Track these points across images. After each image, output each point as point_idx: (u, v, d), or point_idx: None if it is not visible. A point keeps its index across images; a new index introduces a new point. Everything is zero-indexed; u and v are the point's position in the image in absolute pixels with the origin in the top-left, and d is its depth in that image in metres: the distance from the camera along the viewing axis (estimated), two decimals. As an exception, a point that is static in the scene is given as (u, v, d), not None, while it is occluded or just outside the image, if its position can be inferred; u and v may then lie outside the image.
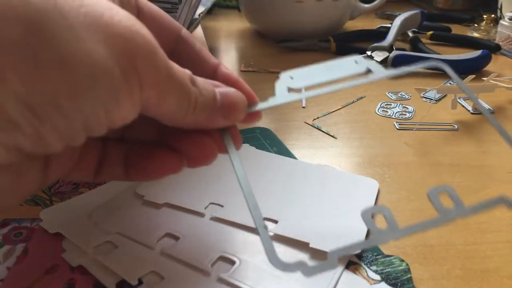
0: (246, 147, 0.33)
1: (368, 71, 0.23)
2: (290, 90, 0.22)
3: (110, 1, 0.18)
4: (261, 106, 0.22)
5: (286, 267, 0.17)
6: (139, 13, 0.21)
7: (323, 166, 0.31)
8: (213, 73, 0.23)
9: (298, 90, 0.22)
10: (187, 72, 0.19)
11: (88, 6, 0.15)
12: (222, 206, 0.26)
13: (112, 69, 0.15)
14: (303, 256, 0.23)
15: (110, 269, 0.21)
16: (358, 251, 0.20)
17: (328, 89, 0.23)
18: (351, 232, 0.24)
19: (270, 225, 0.25)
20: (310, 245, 0.22)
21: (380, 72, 0.23)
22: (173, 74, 0.18)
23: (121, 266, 0.21)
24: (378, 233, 0.18)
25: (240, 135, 0.22)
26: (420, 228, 0.18)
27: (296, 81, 0.22)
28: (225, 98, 0.20)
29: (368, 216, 0.18)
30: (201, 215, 0.25)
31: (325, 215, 0.26)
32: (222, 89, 0.21)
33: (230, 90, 0.21)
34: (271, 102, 0.22)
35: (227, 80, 0.23)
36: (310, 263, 0.21)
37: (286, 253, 0.23)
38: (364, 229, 0.24)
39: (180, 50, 0.22)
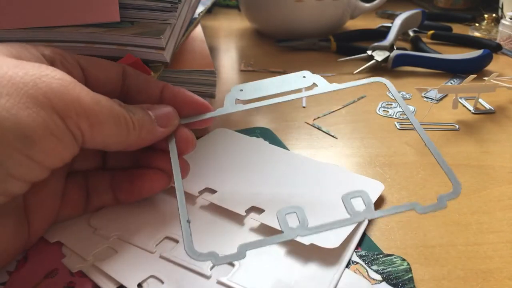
0: (257, 141, 0.34)
1: (314, 85, 0.26)
2: (237, 101, 0.25)
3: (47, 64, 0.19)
4: (209, 115, 0.25)
5: (199, 256, 0.19)
6: (82, 69, 0.23)
7: (330, 165, 0.30)
8: (160, 93, 0.25)
9: (245, 102, 0.25)
10: (115, 100, 0.21)
11: None
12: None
13: (16, 119, 0.16)
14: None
15: (110, 275, 0.21)
16: (266, 246, 0.20)
17: (272, 101, 0.25)
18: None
19: (253, 213, 0.25)
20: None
21: (325, 86, 0.26)
22: (99, 101, 0.19)
23: (121, 272, 0.21)
24: (289, 230, 0.19)
25: (193, 139, 0.24)
26: (328, 227, 0.20)
27: (245, 93, 0.25)
28: (157, 111, 0.23)
29: (282, 215, 0.19)
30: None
31: (312, 209, 0.25)
32: (152, 109, 0.23)
33: (159, 105, 0.23)
34: (217, 112, 0.25)
35: (176, 94, 0.25)
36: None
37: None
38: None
39: (127, 84, 0.24)
